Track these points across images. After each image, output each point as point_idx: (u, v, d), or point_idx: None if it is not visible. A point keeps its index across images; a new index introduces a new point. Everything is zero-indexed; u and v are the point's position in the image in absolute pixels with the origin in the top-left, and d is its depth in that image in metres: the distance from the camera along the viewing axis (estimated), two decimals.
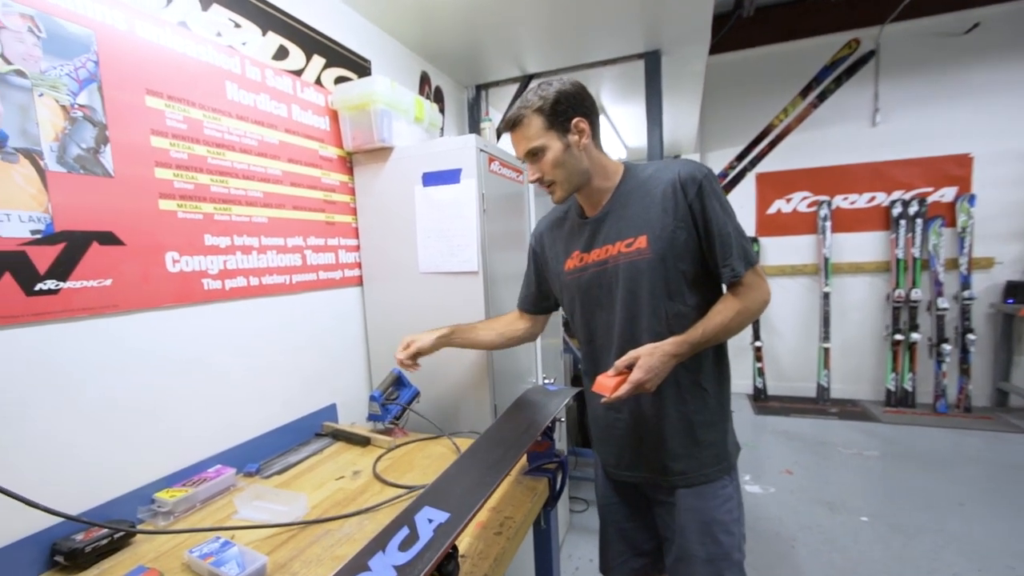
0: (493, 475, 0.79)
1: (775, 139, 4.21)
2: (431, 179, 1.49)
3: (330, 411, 1.48)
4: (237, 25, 1.21)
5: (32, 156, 0.83)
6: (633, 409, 1.06)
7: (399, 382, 1.40)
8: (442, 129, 2.25)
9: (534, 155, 1.01)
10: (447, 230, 1.48)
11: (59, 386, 0.87)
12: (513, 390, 1.68)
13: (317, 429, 1.43)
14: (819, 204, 4.11)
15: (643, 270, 0.99)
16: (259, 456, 1.23)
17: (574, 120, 0.99)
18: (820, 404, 4.04)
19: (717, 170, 4.40)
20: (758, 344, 4.25)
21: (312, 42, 1.45)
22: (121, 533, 0.85)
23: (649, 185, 1.01)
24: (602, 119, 3.22)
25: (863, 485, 2.73)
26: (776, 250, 4.28)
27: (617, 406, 1.06)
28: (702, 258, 0.99)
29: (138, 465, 0.99)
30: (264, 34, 1.29)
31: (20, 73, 0.82)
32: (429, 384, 1.52)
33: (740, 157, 4.33)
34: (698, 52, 2.25)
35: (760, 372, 4.26)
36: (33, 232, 0.83)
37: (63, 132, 0.87)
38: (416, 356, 1.25)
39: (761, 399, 4.23)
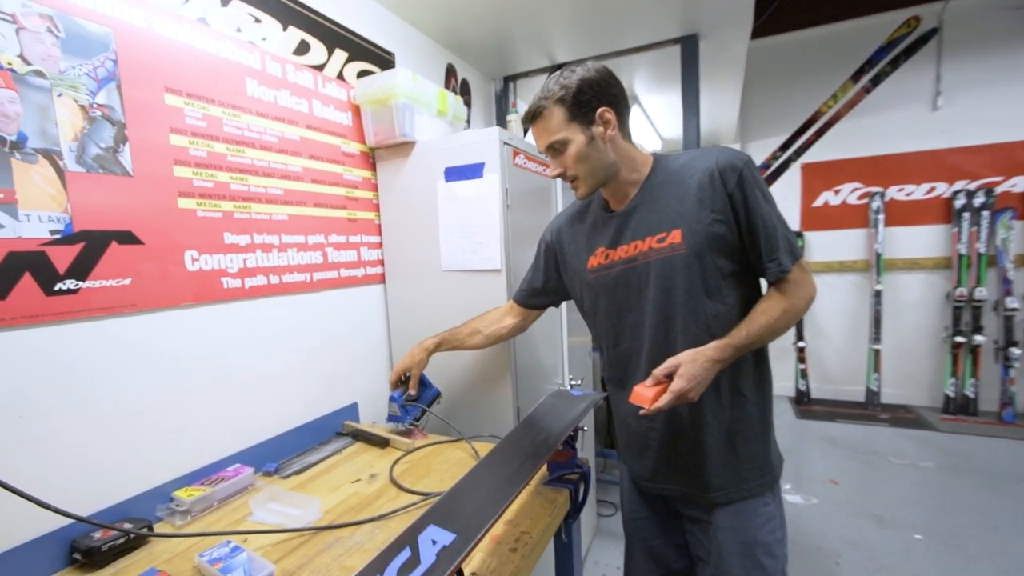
0: (507, 490, 0.74)
1: (823, 127, 3.96)
2: (453, 174, 1.45)
3: (351, 410, 1.47)
4: (257, 20, 1.20)
5: (51, 156, 0.83)
6: (668, 418, 0.99)
7: (420, 383, 1.37)
8: (468, 122, 2.21)
9: (556, 149, 0.95)
10: (469, 226, 1.44)
11: (79, 384, 0.88)
12: (537, 391, 1.63)
13: (338, 428, 1.42)
14: (871, 196, 3.84)
15: (678, 267, 0.91)
16: (279, 455, 1.23)
17: (599, 110, 0.92)
18: (869, 409, 3.80)
19: (759, 161, 4.18)
20: (801, 345, 4.03)
21: (334, 36, 1.43)
22: (135, 535, 0.85)
23: (683, 175, 0.93)
24: (635, 109, 3.11)
25: (917, 499, 2.53)
26: (822, 245, 4.04)
27: (651, 415, 0.99)
28: (742, 253, 0.92)
29: (158, 463, 1.00)
30: (285, 29, 1.27)
31: (39, 74, 0.82)
32: (449, 385, 1.49)
33: (784, 147, 4.10)
34: (739, 35, 2.11)
35: (803, 374, 4.04)
36: (52, 232, 0.83)
37: (82, 132, 0.87)
38: (406, 379, 1.32)
39: (804, 402, 4.02)
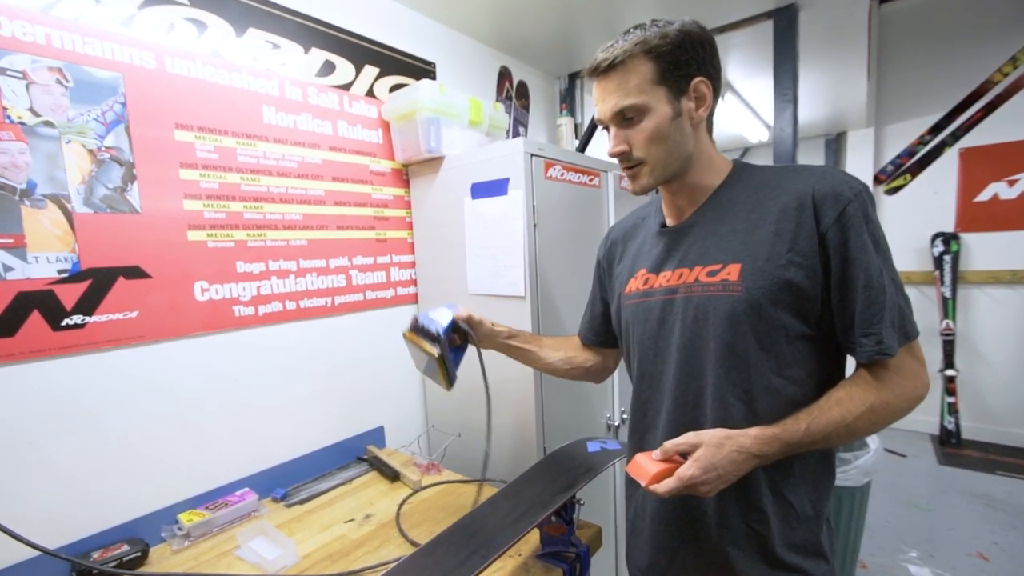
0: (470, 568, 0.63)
1: (995, 100, 3.13)
2: (480, 190, 1.34)
3: (376, 434, 1.45)
4: (276, 46, 1.20)
5: (60, 201, 0.89)
6: (685, 506, 0.78)
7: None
8: (525, 128, 2.08)
9: (627, 118, 0.72)
10: (495, 248, 1.32)
11: (86, 412, 0.93)
12: (573, 429, 1.47)
13: (360, 452, 1.40)
14: None
15: (723, 313, 0.70)
16: (295, 478, 1.24)
17: (695, 80, 0.71)
18: None
19: (901, 147, 3.46)
20: (951, 373, 3.27)
21: (363, 52, 1.40)
22: (115, 563, 0.88)
23: (763, 194, 0.71)
24: (732, 98, 2.72)
25: None
26: (986, 250, 3.22)
27: (665, 501, 0.79)
28: (820, 315, 0.68)
29: (164, 487, 1.04)
30: (307, 51, 1.26)
31: (49, 124, 0.88)
32: (467, 417, 1.40)
33: (935, 129, 3.33)
34: (854, 0, 1.70)
35: (951, 408, 3.28)
36: (60, 272, 0.89)
37: (90, 175, 0.92)
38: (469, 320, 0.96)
39: (951, 444, 3.26)
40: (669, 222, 0.82)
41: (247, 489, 1.14)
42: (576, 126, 2.06)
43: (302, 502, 1.16)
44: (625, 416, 1.68)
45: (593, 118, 2.24)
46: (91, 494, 0.94)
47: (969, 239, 3.28)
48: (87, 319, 0.92)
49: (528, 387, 1.30)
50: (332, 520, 1.07)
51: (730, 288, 0.69)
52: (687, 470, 0.64)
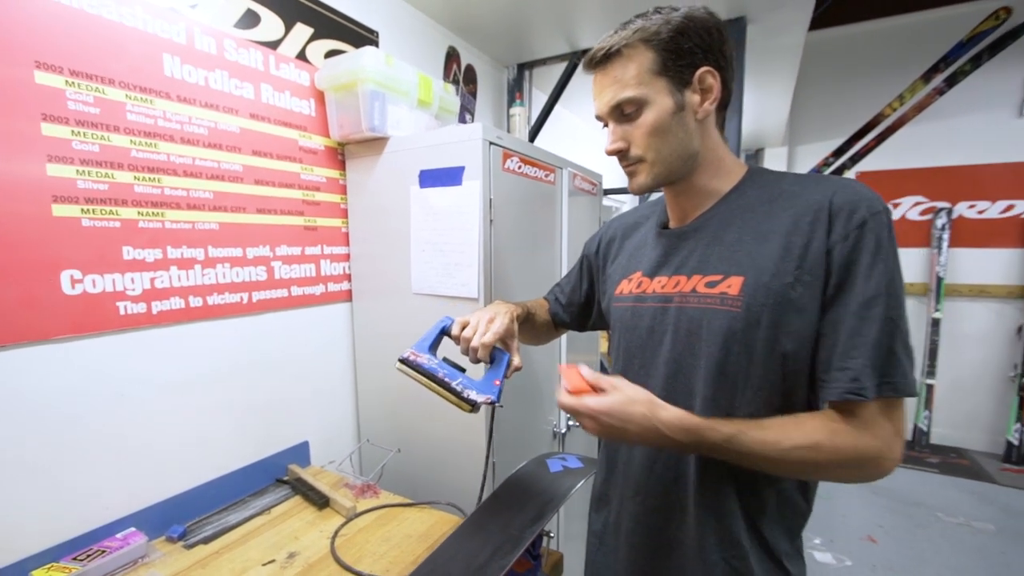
0: None
1: (885, 132, 3.51)
2: (428, 178, 1.20)
3: (300, 451, 1.26)
4: None
5: None
6: (664, 530, 0.72)
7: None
8: (472, 115, 1.95)
9: (624, 113, 0.66)
10: (445, 243, 1.19)
11: None
12: (521, 440, 1.38)
13: (280, 473, 1.21)
14: (936, 212, 3.41)
15: (718, 329, 0.63)
16: (196, 511, 1.02)
17: (700, 70, 0.64)
18: (917, 451, 3.40)
19: (808, 167, 3.78)
20: None
21: (294, 6, 1.19)
22: None
23: (778, 204, 0.64)
24: None
25: (971, 569, 2.18)
26: None
27: (641, 521, 0.74)
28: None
29: (14, 534, 0.79)
30: None
31: None
32: (407, 429, 1.27)
33: (838, 152, 3.67)
34: (796, 19, 1.77)
35: None
36: None
37: None
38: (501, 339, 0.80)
39: None
40: (672, 224, 0.75)
41: (133, 529, 0.91)
42: (527, 118, 1.97)
43: (206, 540, 0.95)
44: (572, 423, 1.63)
45: (540, 112, 2.17)
46: None
47: None
48: None
49: None
50: (247, 563, 0.88)
51: (728, 303, 0.63)
52: (593, 401, 0.60)
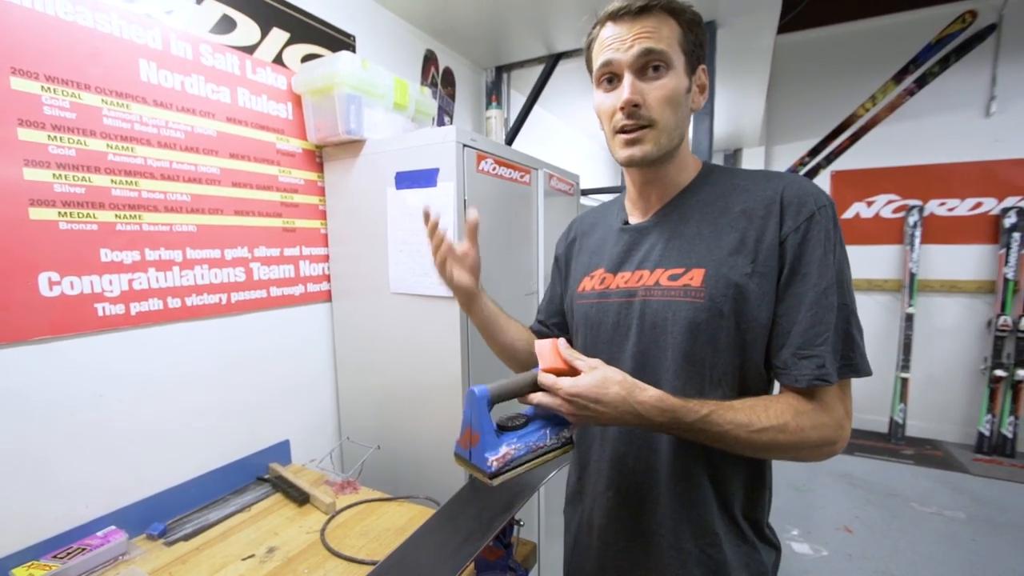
0: None
1: (858, 131, 3.61)
2: (405, 180, 1.22)
3: (280, 449, 1.28)
4: None
5: None
6: (637, 521, 0.73)
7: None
8: (451, 117, 1.98)
9: (652, 66, 0.65)
10: (422, 244, 1.21)
11: None
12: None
13: (261, 471, 1.22)
14: (908, 209, 3.50)
15: (683, 321, 0.66)
16: (177, 509, 1.04)
17: (701, 66, 0.69)
18: (892, 443, 3.49)
19: (785, 166, 3.86)
20: None
21: (270, 11, 1.21)
22: None
23: (731, 198, 0.68)
24: None
25: (942, 557, 2.25)
26: (851, 261, 3.70)
27: (614, 516, 0.74)
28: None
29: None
30: (199, 1, 1.06)
31: None
32: (387, 426, 1.29)
33: (813, 152, 3.76)
34: (765, 22, 1.83)
35: None
36: None
37: None
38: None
39: None
40: (632, 219, 0.77)
41: (113, 527, 0.93)
42: (505, 120, 2.00)
43: (187, 537, 0.97)
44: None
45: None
46: None
47: None
48: None
49: (455, 392, 1.21)
50: (226, 558, 0.90)
51: (692, 294, 0.65)
52: (568, 382, 0.59)
